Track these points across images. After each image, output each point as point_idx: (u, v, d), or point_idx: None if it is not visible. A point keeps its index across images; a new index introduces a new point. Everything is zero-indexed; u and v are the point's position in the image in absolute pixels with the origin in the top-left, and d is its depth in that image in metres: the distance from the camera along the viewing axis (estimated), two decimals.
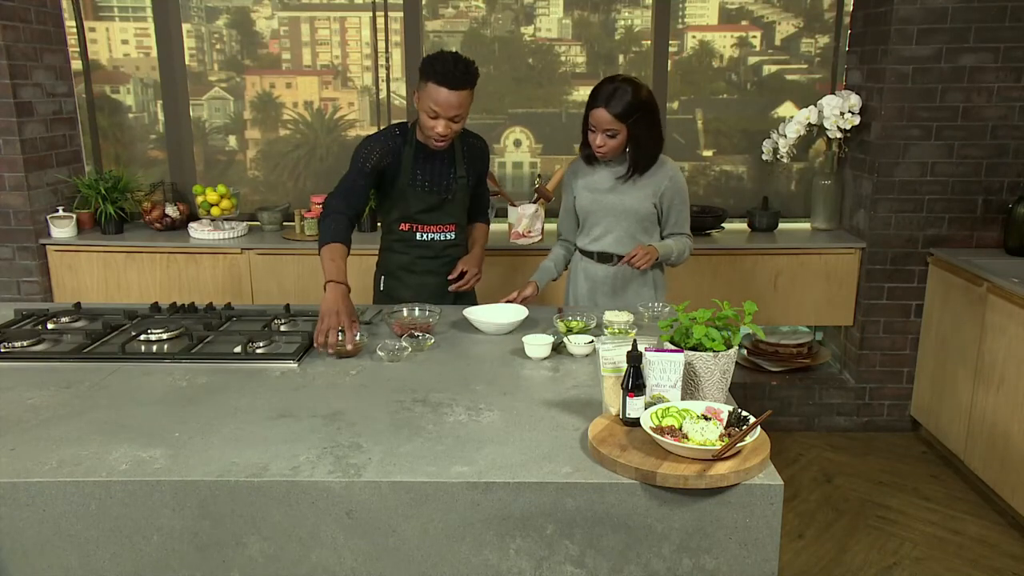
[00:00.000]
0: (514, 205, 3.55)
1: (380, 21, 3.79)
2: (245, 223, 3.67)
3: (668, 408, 1.49)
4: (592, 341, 2.00)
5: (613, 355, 1.58)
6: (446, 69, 2.24)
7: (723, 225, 3.75)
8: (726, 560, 1.40)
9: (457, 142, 2.49)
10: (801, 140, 3.61)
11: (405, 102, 3.84)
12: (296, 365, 1.95)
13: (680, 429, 1.44)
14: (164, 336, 2.12)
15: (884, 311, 3.54)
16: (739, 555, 1.40)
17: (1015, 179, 3.37)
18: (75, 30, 3.75)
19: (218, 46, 3.89)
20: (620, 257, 2.49)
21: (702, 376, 1.58)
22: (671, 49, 3.79)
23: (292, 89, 3.90)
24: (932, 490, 3.19)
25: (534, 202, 3.58)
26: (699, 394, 1.59)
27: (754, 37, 3.88)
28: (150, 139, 3.93)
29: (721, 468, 1.36)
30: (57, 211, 3.54)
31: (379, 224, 2.67)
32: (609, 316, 2.09)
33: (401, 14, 3.74)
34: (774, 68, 3.89)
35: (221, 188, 3.58)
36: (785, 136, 3.57)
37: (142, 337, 2.11)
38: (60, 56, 3.63)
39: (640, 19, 3.84)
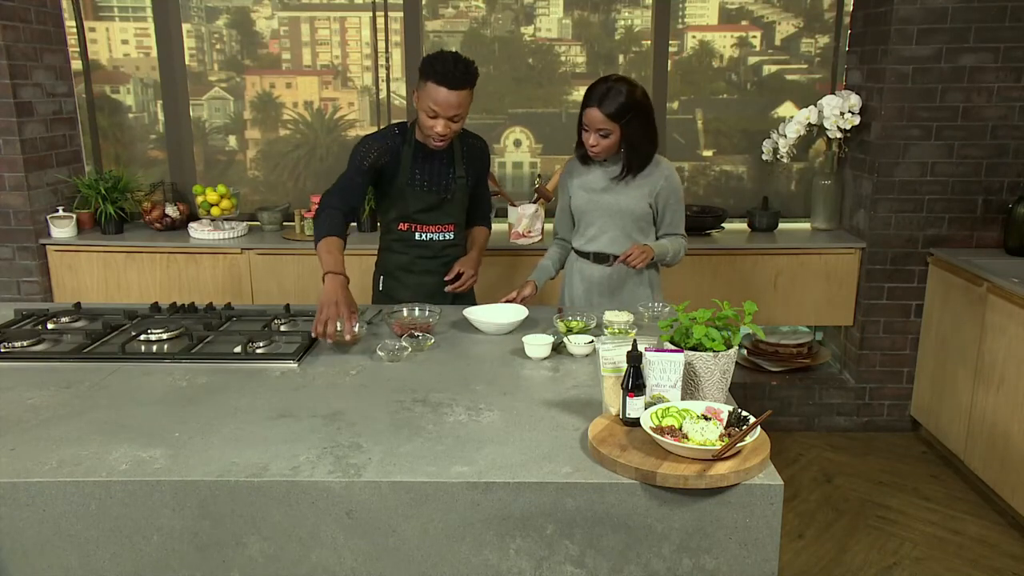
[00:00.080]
0: (514, 205, 3.55)
1: (380, 21, 3.79)
2: (245, 223, 3.67)
3: (668, 408, 1.49)
4: (592, 341, 2.00)
5: (613, 355, 1.58)
6: (446, 69, 2.24)
7: (723, 225, 3.75)
8: (726, 560, 1.40)
9: (456, 142, 2.49)
10: (801, 140, 3.61)
11: (405, 102, 3.84)
12: (296, 365, 1.95)
13: (680, 429, 1.44)
14: (164, 336, 2.12)
15: (884, 311, 3.54)
16: (739, 555, 1.40)
17: (1015, 179, 3.37)
18: (75, 30, 3.75)
19: (218, 46, 3.89)
20: (616, 257, 2.49)
21: (702, 376, 1.58)
22: (671, 49, 3.79)
23: (292, 89, 3.90)
24: (932, 490, 3.19)
25: (534, 202, 3.59)
26: (699, 394, 1.59)
27: (754, 37, 3.88)
28: (150, 139, 3.94)
29: (721, 468, 1.36)
30: (57, 211, 3.54)
31: (379, 224, 2.67)
32: (609, 316, 2.09)
33: (401, 14, 3.74)
34: (774, 68, 3.89)
35: (221, 188, 3.58)
36: (785, 136, 3.57)
37: (142, 337, 2.11)
38: (60, 56, 3.63)
39: (640, 19, 3.84)
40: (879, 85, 3.36)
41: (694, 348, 1.58)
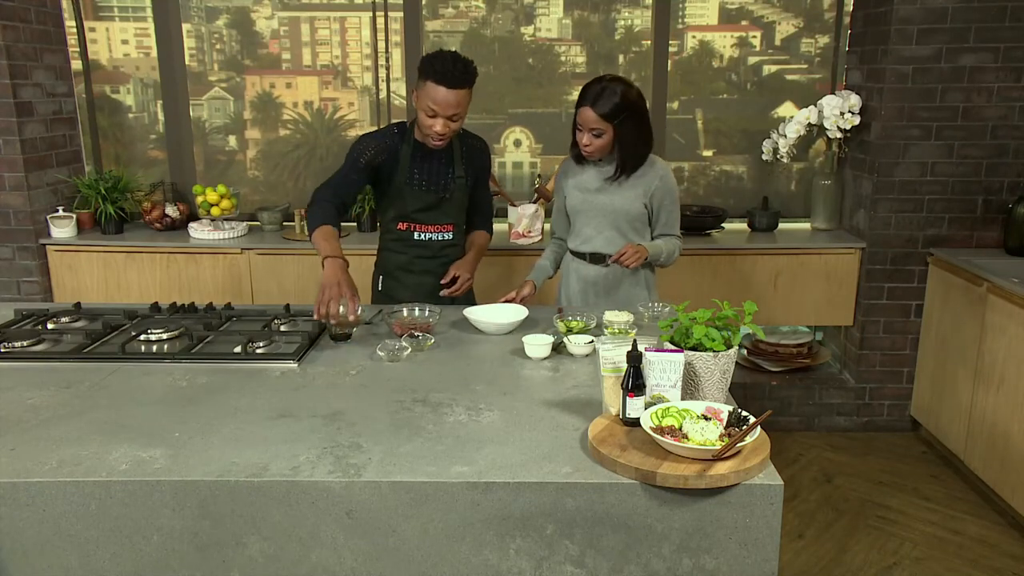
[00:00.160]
0: (514, 205, 3.55)
1: (380, 21, 3.79)
2: (245, 223, 3.67)
3: (668, 408, 1.49)
4: (592, 341, 2.00)
5: (613, 355, 1.58)
6: (445, 68, 2.24)
7: (723, 225, 3.75)
8: (726, 560, 1.40)
9: (456, 142, 2.49)
10: (801, 140, 3.61)
11: (405, 102, 3.84)
12: (296, 365, 1.95)
13: (680, 429, 1.44)
14: (164, 336, 2.12)
15: (884, 311, 3.55)
16: (739, 555, 1.40)
17: (1015, 179, 3.37)
18: (75, 30, 3.75)
19: (218, 46, 3.89)
20: (611, 257, 2.49)
21: (702, 376, 1.58)
22: (671, 49, 3.79)
23: (292, 89, 3.90)
24: (932, 490, 3.19)
25: (534, 202, 3.59)
26: (699, 394, 1.59)
27: (754, 37, 3.88)
28: (150, 139, 3.94)
29: (721, 468, 1.36)
30: (57, 211, 3.54)
31: (378, 224, 2.67)
32: (609, 316, 2.09)
33: (401, 14, 3.74)
34: (774, 68, 3.89)
35: (221, 188, 3.58)
36: (785, 136, 3.57)
37: (142, 337, 2.11)
38: (60, 56, 3.63)
39: (640, 19, 3.84)
40: (879, 85, 3.36)
41: (694, 348, 1.58)
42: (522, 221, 3.49)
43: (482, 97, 3.84)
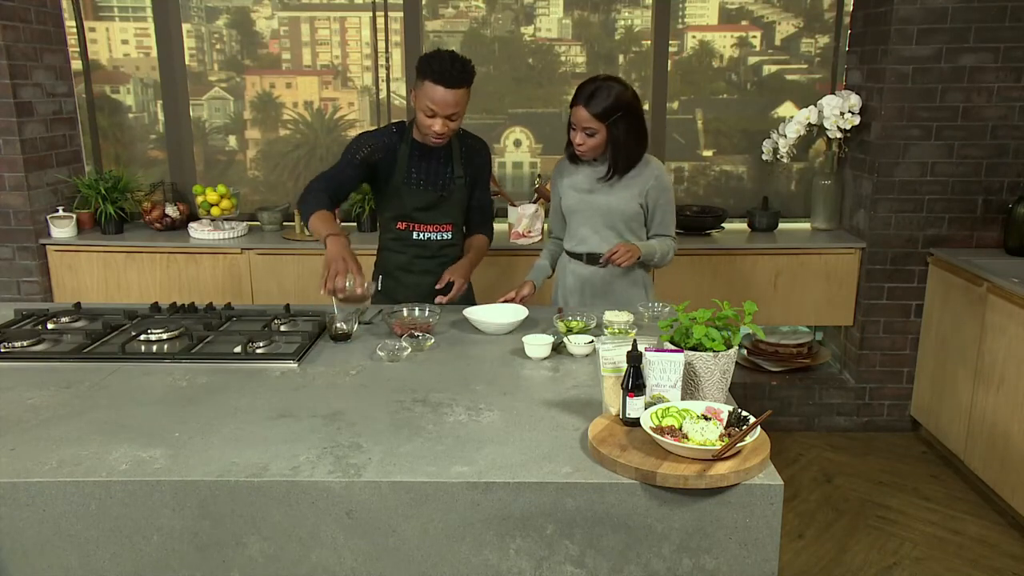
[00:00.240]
0: (514, 205, 3.55)
1: (380, 21, 3.79)
2: (245, 223, 3.67)
3: (668, 408, 1.49)
4: (592, 341, 2.00)
5: (613, 355, 1.58)
6: (443, 68, 2.24)
7: (723, 225, 3.75)
8: (726, 560, 1.40)
9: (455, 141, 2.49)
10: (801, 140, 3.61)
11: (405, 102, 3.84)
12: (296, 365, 1.95)
13: (680, 429, 1.44)
14: (164, 336, 2.11)
15: (884, 311, 3.55)
16: (739, 555, 1.40)
17: (1015, 179, 3.37)
18: (75, 30, 3.75)
19: (218, 46, 3.89)
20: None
21: (702, 376, 1.58)
22: (671, 49, 3.79)
23: (292, 89, 3.90)
24: (932, 490, 3.19)
25: (534, 202, 3.59)
26: (699, 394, 1.59)
27: (754, 37, 3.88)
28: (150, 139, 3.94)
29: (721, 468, 1.36)
30: (57, 211, 3.54)
31: (378, 224, 2.66)
32: (609, 316, 2.09)
33: (401, 14, 3.74)
34: (774, 68, 3.89)
35: (221, 188, 3.58)
36: (785, 136, 3.57)
37: (142, 337, 2.11)
38: (60, 56, 3.63)
39: (640, 19, 3.84)
40: (879, 85, 3.36)
41: (694, 348, 1.58)
42: (522, 221, 3.49)
43: (482, 97, 3.85)
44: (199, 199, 3.57)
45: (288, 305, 2.39)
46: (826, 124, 3.48)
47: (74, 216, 3.54)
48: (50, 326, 2.24)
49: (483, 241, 2.63)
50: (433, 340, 2.09)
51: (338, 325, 2.11)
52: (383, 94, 3.87)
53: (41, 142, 3.49)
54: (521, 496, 1.38)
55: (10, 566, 1.41)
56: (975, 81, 3.28)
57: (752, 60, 3.89)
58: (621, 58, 3.88)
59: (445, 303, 2.39)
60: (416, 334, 2.08)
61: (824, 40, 3.85)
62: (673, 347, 1.57)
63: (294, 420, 1.63)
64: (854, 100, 3.44)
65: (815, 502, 3.09)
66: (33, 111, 3.43)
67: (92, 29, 3.82)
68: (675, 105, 3.90)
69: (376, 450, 1.49)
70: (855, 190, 3.61)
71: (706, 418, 1.46)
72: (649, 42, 3.81)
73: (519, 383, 1.84)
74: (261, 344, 2.08)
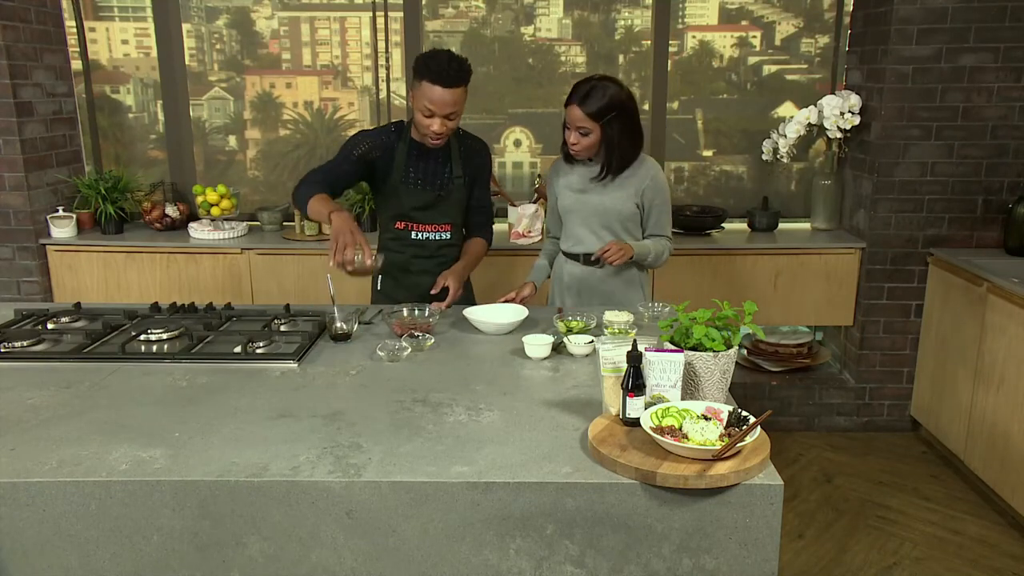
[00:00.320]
0: (514, 205, 3.55)
1: (380, 21, 3.79)
2: (245, 223, 3.67)
3: (668, 408, 1.49)
4: (592, 341, 2.00)
5: (613, 355, 1.58)
6: (440, 67, 2.24)
7: (723, 225, 3.75)
8: (726, 560, 1.40)
9: (454, 141, 2.49)
10: (801, 140, 3.61)
11: (405, 102, 3.84)
12: (296, 365, 1.95)
13: (680, 429, 1.44)
14: (164, 336, 2.11)
15: (884, 311, 3.55)
16: (739, 555, 1.40)
17: (1015, 179, 3.37)
18: (75, 30, 3.75)
19: (218, 46, 3.89)
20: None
21: (702, 376, 1.58)
22: (671, 49, 3.79)
23: (292, 89, 3.90)
24: (932, 490, 3.19)
25: (534, 202, 3.59)
26: (699, 394, 1.59)
27: (754, 37, 3.88)
28: (150, 139, 3.94)
29: (721, 468, 1.36)
30: (57, 211, 3.54)
31: (378, 224, 2.66)
32: (609, 316, 2.09)
33: (401, 14, 3.74)
34: (774, 68, 3.89)
35: (221, 188, 3.58)
36: (785, 136, 3.57)
37: (142, 337, 2.11)
38: (60, 56, 3.63)
39: (640, 19, 3.84)
40: (879, 85, 3.36)
41: (694, 348, 1.58)
42: (522, 221, 3.49)
43: (482, 97, 3.85)
44: (199, 199, 3.57)
45: (288, 305, 2.39)
46: (826, 124, 3.48)
47: (74, 216, 3.54)
48: (50, 326, 2.24)
49: (480, 245, 2.60)
50: (433, 340, 2.09)
51: (338, 325, 2.11)
52: (383, 94, 3.87)
53: (41, 142, 3.49)
54: (521, 496, 1.38)
55: (10, 566, 1.42)
56: (975, 81, 3.28)
57: (752, 60, 3.89)
58: (621, 58, 3.88)
59: (445, 308, 2.39)
60: (416, 334, 2.08)
61: (824, 40, 3.85)
62: (673, 347, 1.57)
63: (294, 420, 1.63)
64: (854, 100, 3.44)
65: (815, 502, 3.09)
66: (33, 111, 3.43)
67: (92, 29, 3.82)
68: (675, 105, 3.90)
69: (376, 450, 1.49)
70: (855, 190, 3.61)
71: (706, 418, 1.46)
72: (649, 42, 3.81)
73: (519, 383, 1.84)
74: (261, 344, 2.08)
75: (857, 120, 3.44)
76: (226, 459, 1.45)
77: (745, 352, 3.91)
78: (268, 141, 3.93)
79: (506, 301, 2.40)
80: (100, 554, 1.42)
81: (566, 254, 2.60)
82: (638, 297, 2.56)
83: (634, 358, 1.50)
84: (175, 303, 2.40)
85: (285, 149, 3.94)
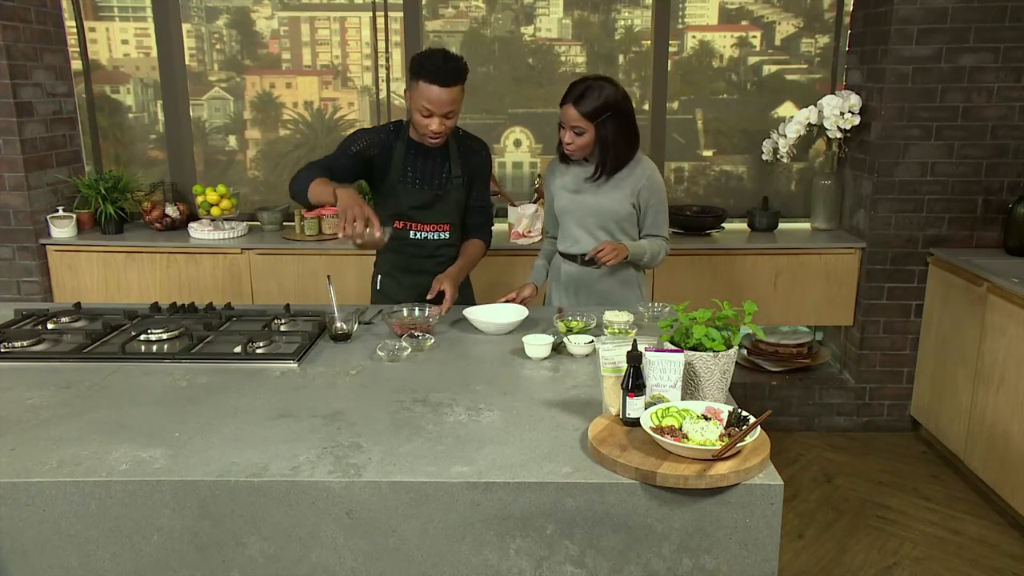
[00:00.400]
0: (514, 205, 3.55)
1: (380, 21, 3.79)
2: (245, 223, 3.67)
3: (668, 408, 1.49)
4: (592, 341, 2.00)
5: (613, 355, 1.58)
6: (436, 67, 2.24)
7: (723, 225, 3.75)
8: (726, 560, 1.40)
9: (452, 141, 2.49)
10: (801, 140, 3.61)
11: (405, 102, 3.83)
12: (296, 365, 1.95)
13: (680, 429, 1.44)
14: (164, 336, 2.12)
15: (884, 311, 3.55)
16: (739, 555, 1.40)
17: (1015, 179, 3.37)
18: (75, 30, 3.75)
19: (218, 46, 3.89)
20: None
21: (702, 376, 1.58)
22: (671, 49, 3.79)
23: (292, 89, 3.90)
24: (932, 490, 3.19)
25: (534, 202, 3.59)
26: (699, 394, 1.59)
27: (754, 37, 3.88)
28: (150, 139, 3.94)
29: (721, 468, 1.36)
30: (57, 211, 3.54)
31: None
32: (609, 316, 2.09)
33: (401, 14, 3.74)
34: (774, 68, 3.89)
35: (221, 188, 3.58)
36: (785, 136, 3.57)
37: (142, 337, 2.11)
38: (60, 56, 3.63)
39: (640, 19, 3.84)
40: (879, 85, 3.36)
41: (694, 348, 1.58)
42: (522, 221, 3.49)
43: (482, 97, 3.85)
44: (199, 199, 3.57)
45: (288, 305, 2.39)
46: (826, 124, 3.48)
47: (74, 216, 3.54)
48: (50, 326, 2.24)
49: (478, 247, 2.58)
50: (433, 340, 2.09)
51: (338, 325, 2.11)
52: (383, 94, 3.87)
53: (41, 142, 3.49)
54: (521, 496, 1.38)
55: (10, 566, 1.42)
56: (975, 81, 3.28)
57: (752, 60, 3.89)
58: (621, 58, 3.88)
59: (444, 313, 2.38)
60: (416, 334, 2.08)
61: (824, 40, 3.85)
62: (673, 347, 1.57)
63: (294, 420, 1.63)
64: (854, 100, 3.44)
65: (815, 502, 3.09)
66: (33, 111, 3.43)
67: (92, 29, 3.82)
68: (675, 105, 3.90)
69: (376, 450, 1.49)
70: (855, 190, 3.61)
71: (706, 418, 1.46)
72: (649, 42, 3.81)
73: (519, 383, 1.84)
74: (261, 344, 2.08)
75: (857, 120, 3.44)
76: (226, 459, 1.45)
77: (745, 352, 3.91)
78: (268, 141, 3.93)
79: (506, 301, 2.40)
80: (100, 554, 1.42)
81: (562, 254, 2.60)
82: (635, 297, 2.56)
83: (634, 358, 1.50)
84: (175, 303, 2.40)
85: (285, 149, 3.94)
